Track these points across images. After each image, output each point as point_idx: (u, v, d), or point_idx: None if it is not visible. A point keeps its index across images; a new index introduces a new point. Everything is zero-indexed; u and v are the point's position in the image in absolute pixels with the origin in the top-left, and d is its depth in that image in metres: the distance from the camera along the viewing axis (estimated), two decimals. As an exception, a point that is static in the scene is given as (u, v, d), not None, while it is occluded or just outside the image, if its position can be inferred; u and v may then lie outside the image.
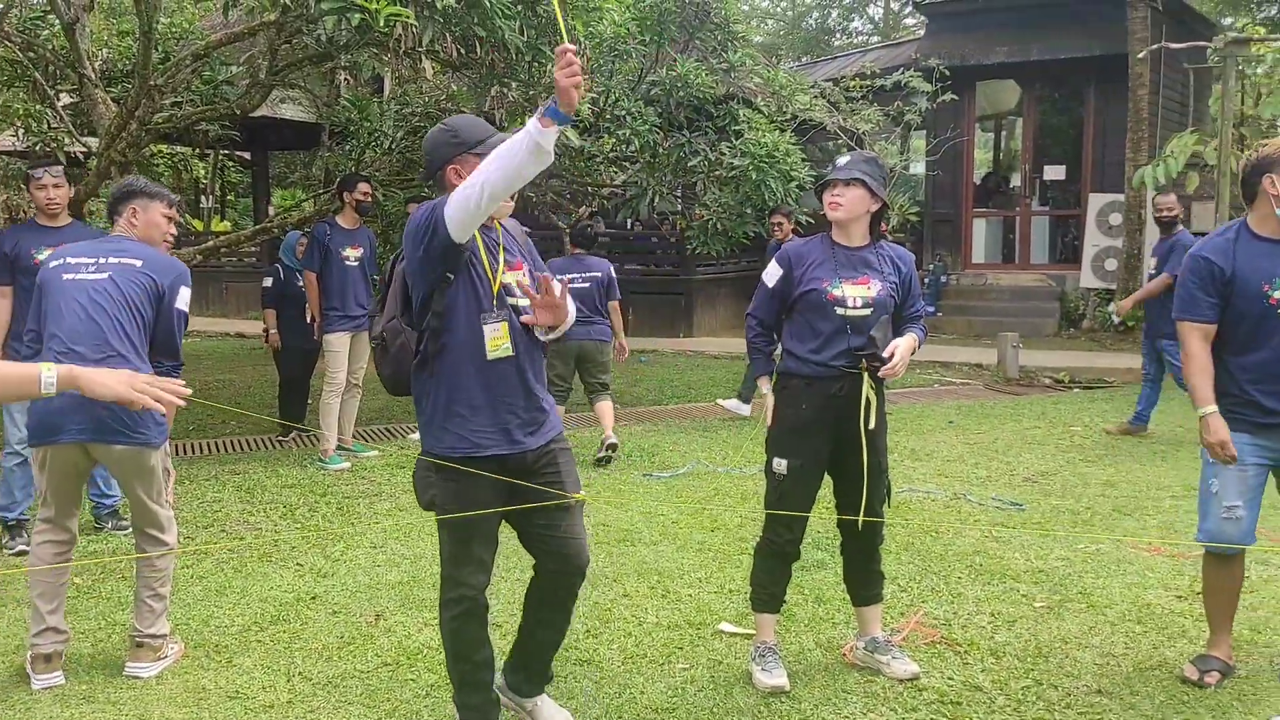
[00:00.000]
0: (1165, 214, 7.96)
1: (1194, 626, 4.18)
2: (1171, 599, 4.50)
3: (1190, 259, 3.66)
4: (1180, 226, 8.04)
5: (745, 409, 8.90)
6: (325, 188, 10.47)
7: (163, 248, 4.05)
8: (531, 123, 2.62)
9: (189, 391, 2.50)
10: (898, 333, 3.72)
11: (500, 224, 3.16)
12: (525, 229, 3.39)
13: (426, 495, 3.09)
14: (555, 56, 2.57)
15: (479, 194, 2.75)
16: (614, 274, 7.78)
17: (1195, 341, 3.58)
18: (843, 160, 3.69)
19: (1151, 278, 8.10)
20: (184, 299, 3.89)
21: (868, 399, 3.63)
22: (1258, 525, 3.67)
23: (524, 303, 3.08)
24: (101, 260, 3.80)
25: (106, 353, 3.61)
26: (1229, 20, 15.61)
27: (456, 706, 3.21)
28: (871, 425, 3.65)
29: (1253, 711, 3.47)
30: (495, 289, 3.04)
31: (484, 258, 3.05)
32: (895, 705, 3.53)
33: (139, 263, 3.82)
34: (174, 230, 4.10)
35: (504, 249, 3.12)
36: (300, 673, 3.82)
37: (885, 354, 3.59)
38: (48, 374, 2.34)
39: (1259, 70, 12.72)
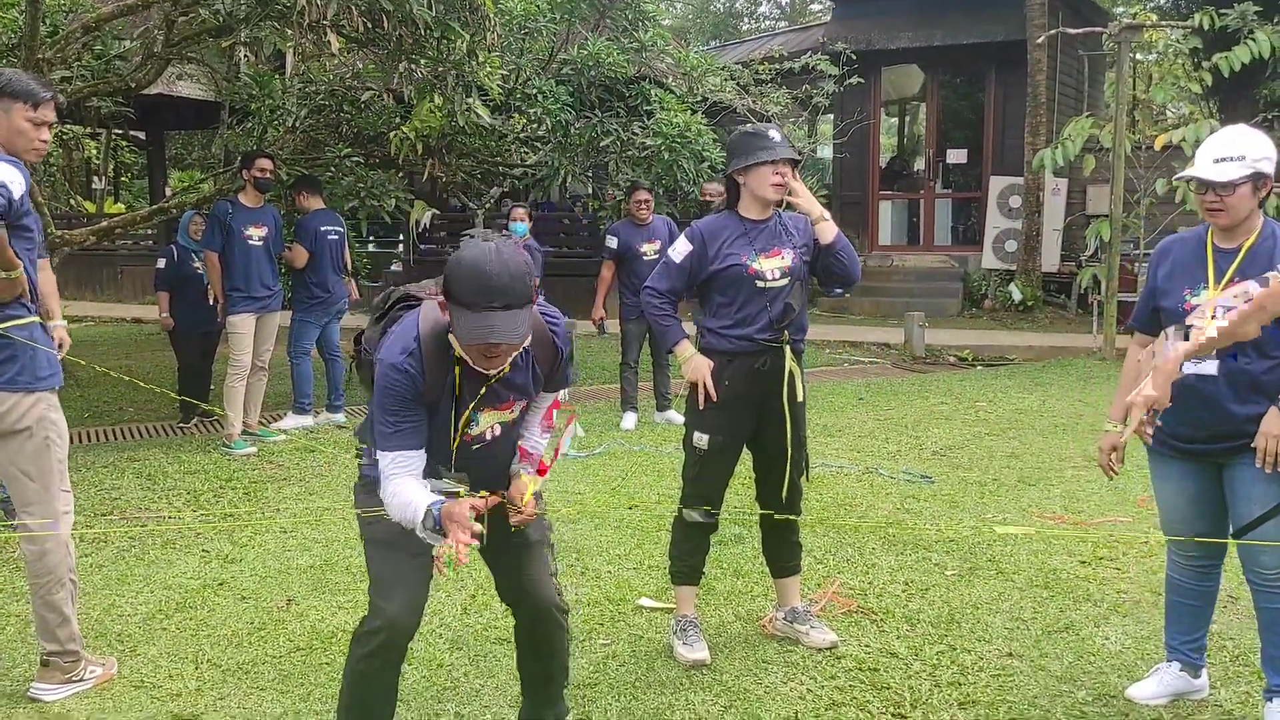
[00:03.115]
0: None
1: (1098, 590, 4.31)
2: (1076, 564, 4.64)
3: None
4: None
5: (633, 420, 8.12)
6: (225, 167, 10.16)
7: (32, 157, 3.44)
8: (423, 526, 2.45)
9: None
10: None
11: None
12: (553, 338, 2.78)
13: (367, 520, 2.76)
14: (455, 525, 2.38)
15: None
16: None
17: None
18: (776, 136, 3.66)
19: None
20: None
21: (791, 372, 3.65)
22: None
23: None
24: None
25: None
26: (1121, 9, 16.10)
27: None
28: (799, 398, 3.67)
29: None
30: (456, 442, 2.66)
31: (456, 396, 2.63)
32: (815, 674, 3.57)
33: None
34: (46, 138, 3.46)
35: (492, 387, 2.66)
36: (209, 660, 3.70)
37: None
38: None
39: (1151, 56, 13.15)
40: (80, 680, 3.48)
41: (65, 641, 3.44)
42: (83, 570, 4.55)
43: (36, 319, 3.43)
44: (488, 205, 11.34)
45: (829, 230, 3.69)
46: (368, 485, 2.72)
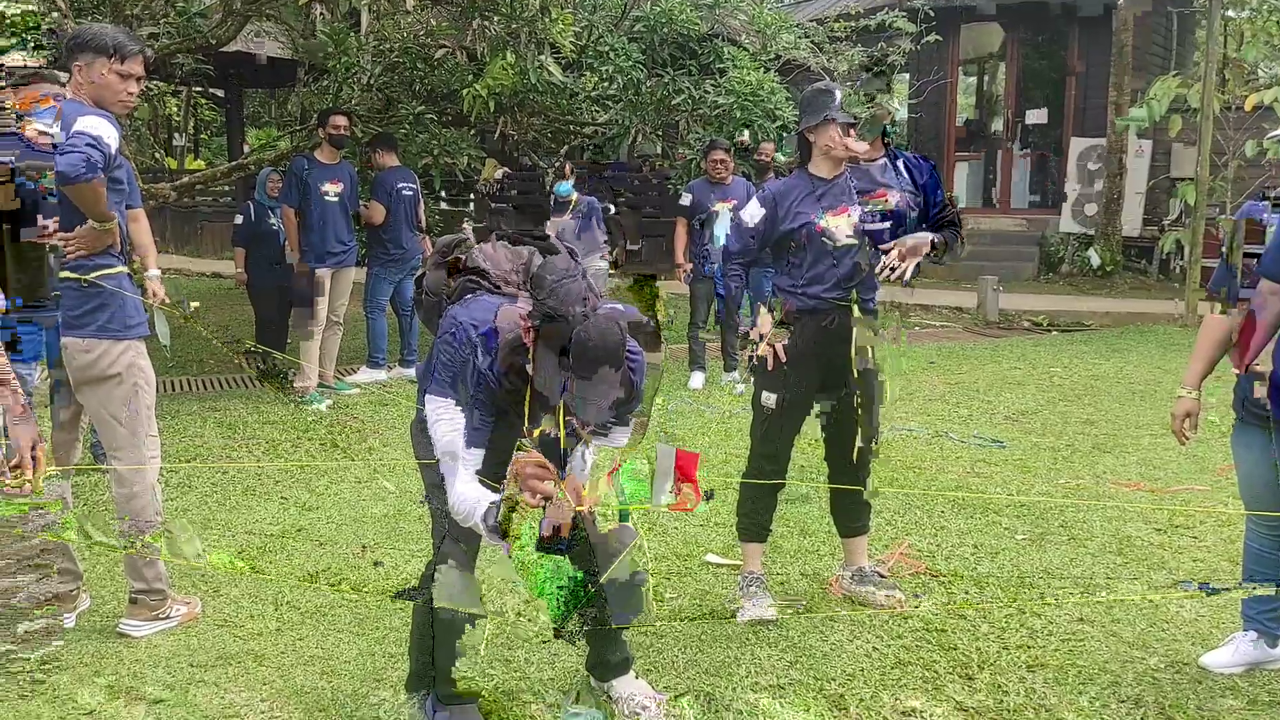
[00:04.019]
0: None
1: (1173, 559, 4.24)
2: (1151, 532, 4.56)
3: None
4: None
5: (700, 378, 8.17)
6: (301, 125, 10.29)
7: (118, 110, 3.50)
8: (486, 526, 2.53)
9: None
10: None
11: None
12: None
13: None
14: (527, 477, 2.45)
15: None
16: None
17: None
18: (841, 97, 3.65)
19: None
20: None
21: (860, 332, 3.63)
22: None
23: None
24: None
25: None
26: (1214, -37, 15.51)
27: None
28: (872, 362, 3.66)
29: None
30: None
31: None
32: (881, 633, 3.57)
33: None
34: (134, 90, 3.52)
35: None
36: (288, 602, 3.82)
37: (884, 251, 3.60)
38: None
39: (1243, 13, 12.67)
40: (167, 618, 3.62)
41: (152, 581, 3.58)
42: (168, 514, 4.71)
43: (125, 268, 3.55)
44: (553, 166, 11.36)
45: (924, 241, 3.64)
46: (424, 425, 2.81)
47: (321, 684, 3.21)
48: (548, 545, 2.53)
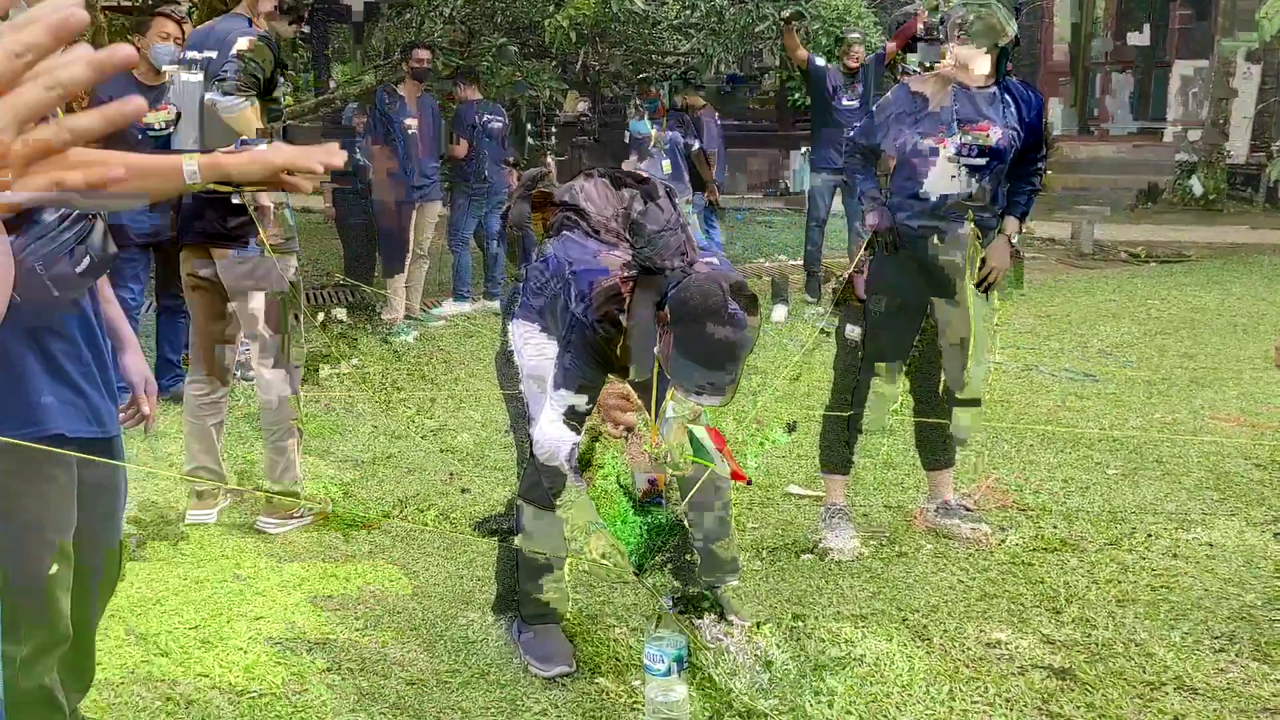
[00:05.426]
0: None
1: (1273, 495, 4.11)
2: (1250, 469, 4.43)
3: None
4: None
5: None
6: (385, 59, 10.34)
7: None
8: (570, 465, 2.60)
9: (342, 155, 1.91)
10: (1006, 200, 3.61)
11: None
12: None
13: None
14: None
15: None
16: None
17: None
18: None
19: None
20: None
21: (971, 253, 3.53)
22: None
23: None
24: None
25: None
26: None
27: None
28: (973, 283, 3.56)
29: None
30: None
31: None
32: (966, 565, 3.54)
33: None
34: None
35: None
36: (379, 527, 3.92)
37: (981, 274, 3.55)
38: (189, 164, 1.87)
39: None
40: (300, 517, 3.86)
41: (289, 484, 3.79)
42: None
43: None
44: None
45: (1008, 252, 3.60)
46: (508, 358, 2.85)
47: (412, 605, 3.30)
48: (647, 500, 2.57)
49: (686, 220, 2.74)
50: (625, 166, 7.56)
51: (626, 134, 7.92)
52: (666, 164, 7.40)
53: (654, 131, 7.76)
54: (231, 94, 3.48)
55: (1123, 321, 7.55)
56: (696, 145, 7.81)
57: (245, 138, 3.46)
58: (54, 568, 2.02)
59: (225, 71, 3.51)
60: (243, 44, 3.54)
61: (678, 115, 7.90)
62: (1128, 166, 14.54)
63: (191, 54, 3.75)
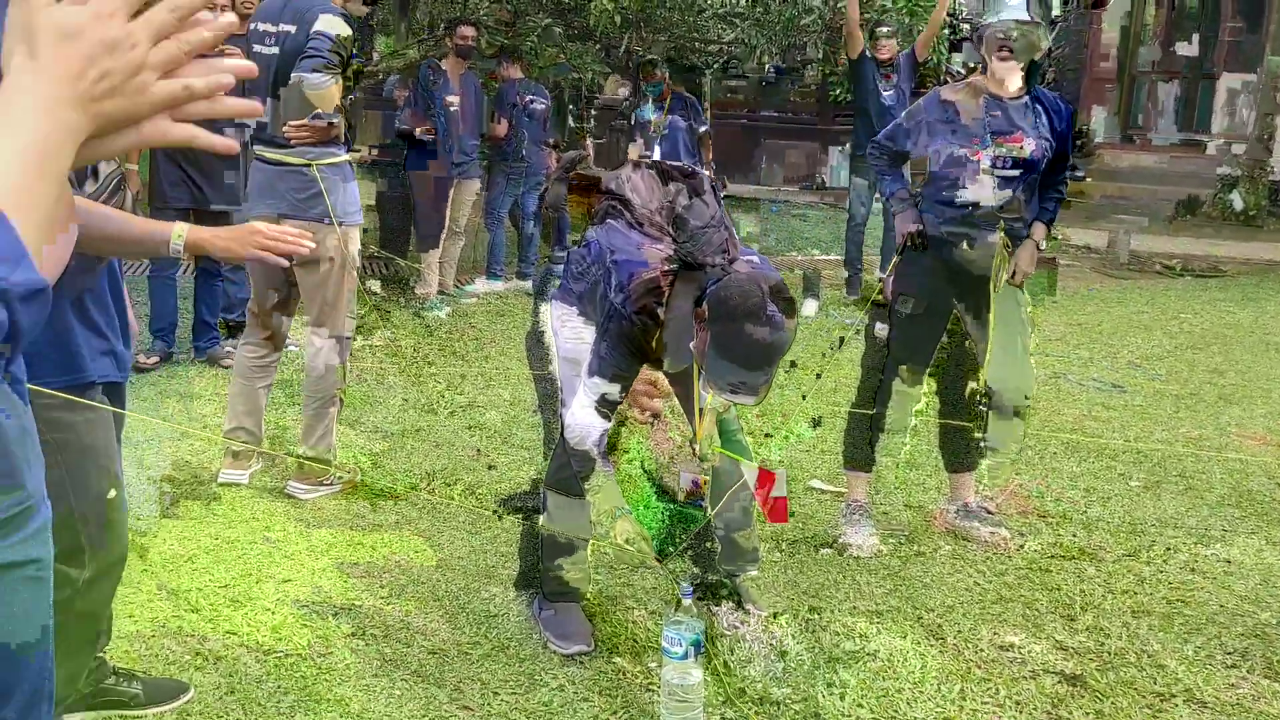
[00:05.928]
0: None
1: (1296, 515, 4.12)
2: (1274, 488, 4.42)
3: None
4: None
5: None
6: (429, 34, 10.40)
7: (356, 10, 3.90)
8: (599, 451, 2.67)
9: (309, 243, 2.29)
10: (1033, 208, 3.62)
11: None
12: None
13: None
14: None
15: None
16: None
17: None
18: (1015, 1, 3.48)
19: None
20: None
21: (999, 263, 3.55)
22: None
23: None
24: None
25: None
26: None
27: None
28: (998, 289, 3.58)
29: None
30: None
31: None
32: (983, 568, 3.57)
33: None
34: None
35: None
36: (407, 499, 4.00)
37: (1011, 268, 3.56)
38: (176, 239, 2.10)
39: None
40: (330, 484, 3.93)
41: (323, 451, 3.88)
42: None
43: (348, 158, 3.76)
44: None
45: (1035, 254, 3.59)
46: (539, 338, 2.89)
47: (436, 576, 3.37)
48: (689, 501, 2.62)
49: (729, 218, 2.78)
50: (631, 152, 7.61)
51: (633, 117, 7.96)
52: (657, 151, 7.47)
53: (654, 117, 7.79)
54: (320, 71, 3.53)
55: (1154, 334, 7.52)
56: (703, 129, 7.86)
57: (320, 112, 3.52)
58: (111, 491, 2.16)
59: (316, 49, 3.54)
60: (332, 25, 3.57)
61: (680, 98, 7.91)
62: (1169, 177, 14.39)
63: (265, 25, 3.78)
